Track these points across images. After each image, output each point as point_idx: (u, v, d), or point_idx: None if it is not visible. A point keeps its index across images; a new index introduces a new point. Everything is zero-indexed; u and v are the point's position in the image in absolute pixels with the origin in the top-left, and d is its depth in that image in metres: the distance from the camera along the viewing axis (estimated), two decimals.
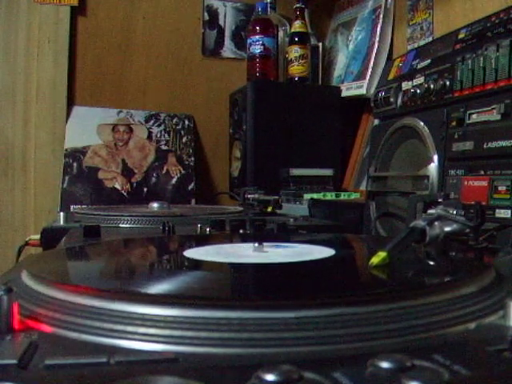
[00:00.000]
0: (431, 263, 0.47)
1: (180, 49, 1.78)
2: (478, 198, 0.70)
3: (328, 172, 1.45)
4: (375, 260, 0.39)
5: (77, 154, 1.61)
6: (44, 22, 1.60)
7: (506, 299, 0.30)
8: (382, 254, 0.39)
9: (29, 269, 0.38)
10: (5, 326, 0.27)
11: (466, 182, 0.77)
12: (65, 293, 0.31)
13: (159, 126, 1.73)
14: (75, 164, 1.60)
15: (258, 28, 1.58)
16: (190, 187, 1.71)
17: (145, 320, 0.27)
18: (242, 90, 1.57)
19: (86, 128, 1.64)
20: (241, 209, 1.09)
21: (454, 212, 0.50)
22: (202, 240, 0.62)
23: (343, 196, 1.27)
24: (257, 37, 1.58)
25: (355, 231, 1.00)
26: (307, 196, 1.21)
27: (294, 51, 1.59)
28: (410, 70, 0.98)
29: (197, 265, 0.44)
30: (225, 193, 1.68)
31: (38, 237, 0.81)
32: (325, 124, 1.56)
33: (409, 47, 1.35)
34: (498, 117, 0.71)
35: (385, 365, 0.21)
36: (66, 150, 1.61)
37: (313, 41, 1.69)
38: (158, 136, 1.72)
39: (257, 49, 1.58)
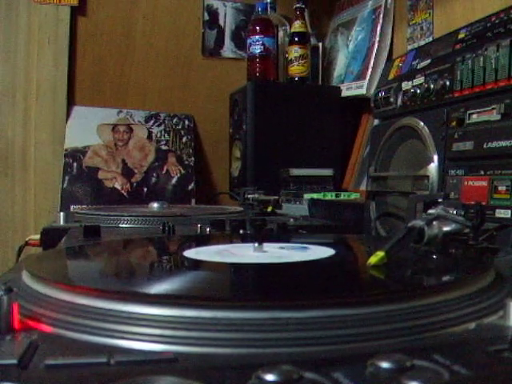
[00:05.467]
0: (431, 263, 0.46)
1: (180, 49, 1.77)
2: (478, 198, 0.70)
3: (328, 172, 1.44)
4: (373, 260, 0.39)
5: (77, 154, 1.61)
6: (44, 22, 1.60)
7: (505, 299, 0.30)
8: (379, 254, 0.39)
9: (29, 269, 0.38)
10: (5, 326, 0.27)
11: (466, 182, 0.77)
12: (65, 293, 0.31)
13: (159, 125, 1.73)
14: (75, 164, 1.60)
15: (258, 28, 1.58)
16: (190, 187, 1.71)
17: (145, 320, 0.27)
18: (242, 90, 1.57)
19: (86, 128, 1.64)
20: (241, 209, 1.09)
21: (454, 212, 0.50)
22: (202, 240, 0.62)
23: (343, 196, 1.27)
24: (257, 37, 1.58)
25: (355, 231, 1.00)
26: (307, 196, 1.21)
27: (294, 51, 1.59)
28: (410, 70, 0.98)
29: (197, 265, 0.44)
30: (225, 193, 1.68)
31: (38, 237, 0.81)
32: (325, 124, 1.56)
33: (409, 47, 1.35)
34: (498, 117, 0.71)
35: (385, 365, 0.21)
36: (66, 150, 1.61)
37: (313, 41, 1.69)
38: (158, 136, 1.72)
39: (257, 49, 1.58)
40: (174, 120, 1.75)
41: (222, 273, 0.42)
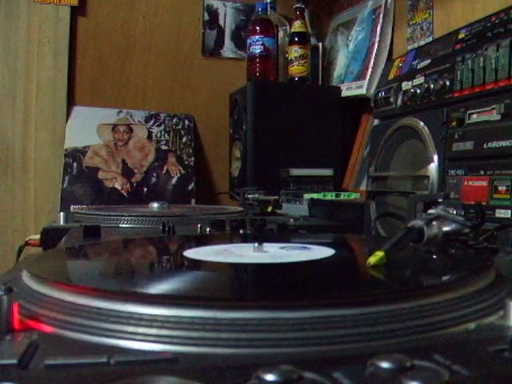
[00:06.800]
0: (431, 263, 0.46)
1: (180, 49, 1.77)
2: (478, 198, 0.70)
3: (328, 172, 1.44)
4: (372, 260, 0.39)
5: (77, 154, 1.61)
6: (44, 22, 1.60)
7: (505, 299, 0.30)
8: (379, 254, 0.39)
9: (29, 269, 0.38)
10: (5, 325, 0.27)
11: (466, 182, 0.77)
12: (65, 293, 0.31)
13: (159, 125, 1.73)
14: (75, 164, 1.60)
15: (258, 28, 1.58)
16: (190, 187, 1.71)
17: (144, 320, 0.27)
18: (241, 90, 1.57)
19: (85, 128, 1.64)
20: (241, 209, 1.09)
21: (454, 212, 0.50)
22: (202, 240, 0.62)
23: (343, 196, 1.27)
24: (257, 37, 1.58)
25: (355, 231, 1.00)
26: (307, 196, 1.21)
27: (294, 51, 1.59)
28: (410, 70, 0.98)
29: (197, 265, 0.44)
30: (225, 193, 1.68)
31: (38, 237, 0.81)
32: (325, 124, 1.56)
33: (409, 47, 1.35)
34: (498, 117, 0.71)
35: (385, 365, 0.21)
36: (66, 150, 1.61)
37: (313, 41, 1.69)
38: (158, 136, 1.72)
39: (257, 49, 1.58)
40: (174, 120, 1.75)
41: (222, 273, 0.42)
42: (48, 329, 0.28)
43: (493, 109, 0.73)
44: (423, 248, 0.47)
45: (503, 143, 0.70)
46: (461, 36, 0.87)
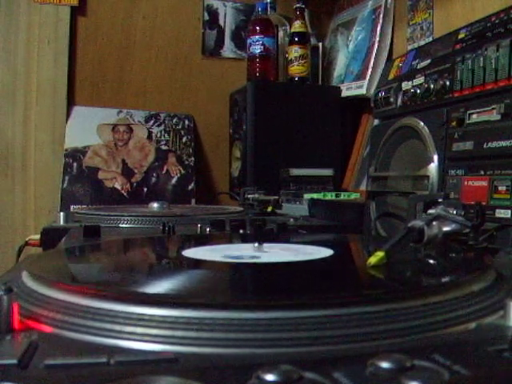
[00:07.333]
0: (431, 263, 0.46)
1: (180, 49, 1.77)
2: (478, 198, 0.70)
3: (328, 172, 1.44)
4: (373, 260, 0.39)
5: (77, 154, 1.61)
6: (44, 22, 1.60)
7: (506, 299, 0.30)
8: (379, 254, 0.39)
9: (29, 269, 0.38)
10: (5, 325, 0.27)
11: (466, 182, 0.77)
12: (65, 293, 0.31)
13: (159, 125, 1.73)
14: (75, 164, 1.60)
15: (258, 28, 1.58)
16: (190, 187, 1.71)
17: (145, 320, 0.27)
18: (242, 90, 1.57)
19: (85, 128, 1.64)
20: (241, 209, 1.09)
21: (454, 212, 0.50)
22: (202, 240, 0.62)
23: (343, 196, 1.27)
24: (257, 37, 1.58)
25: (355, 231, 1.00)
26: (307, 196, 1.21)
27: (294, 51, 1.59)
28: (410, 70, 0.98)
29: (196, 265, 0.44)
30: (225, 193, 1.68)
31: (38, 237, 0.81)
32: (325, 124, 1.56)
33: (409, 47, 1.35)
34: (498, 117, 0.71)
35: (385, 365, 0.21)
36: (66, 150, 1.61)
37: (313, 41, 1.69)
38: (158, 136, 1.72)
39: (257, 49, 1.57)
40: (174, 120, 1.75)
41: (221, 273, 0.42)
42: (48, 329, 0.28)
43: (493, 109, 0.72)
44: (423, 252, 0.47)
45: (503, 143, 0.70)
46: (461, 36, 0.87)
